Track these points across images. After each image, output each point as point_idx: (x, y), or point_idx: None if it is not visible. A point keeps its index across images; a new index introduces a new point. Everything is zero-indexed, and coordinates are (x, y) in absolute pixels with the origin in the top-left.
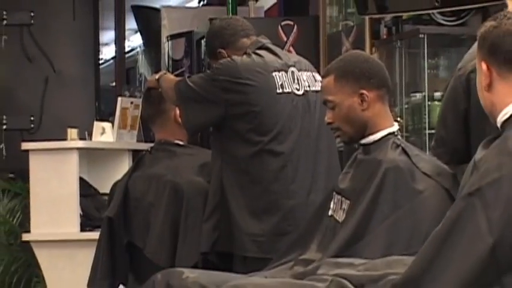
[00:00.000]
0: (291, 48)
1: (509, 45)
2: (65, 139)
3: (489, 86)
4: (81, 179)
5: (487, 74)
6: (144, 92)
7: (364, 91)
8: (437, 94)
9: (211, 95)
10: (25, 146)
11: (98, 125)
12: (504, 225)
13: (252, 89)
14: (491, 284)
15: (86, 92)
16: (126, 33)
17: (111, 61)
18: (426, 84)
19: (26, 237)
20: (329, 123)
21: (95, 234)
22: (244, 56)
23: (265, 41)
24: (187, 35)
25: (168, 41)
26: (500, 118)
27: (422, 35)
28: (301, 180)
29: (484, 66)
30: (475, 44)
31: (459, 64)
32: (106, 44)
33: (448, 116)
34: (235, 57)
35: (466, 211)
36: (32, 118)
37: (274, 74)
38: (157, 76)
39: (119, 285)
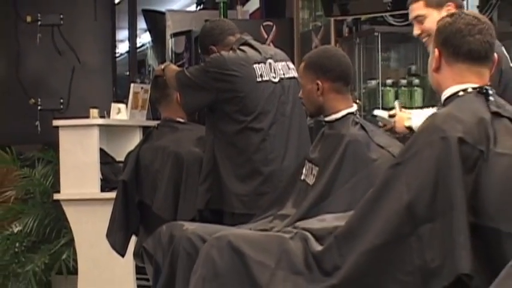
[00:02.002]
0: (271, 44)
1: (458, 41)
2: (88, 117)
3: (437, 69)
4: (101, 150)
5: (437, 59)
6: (152, 79)
7: (318, 81)
8: (389, 81)
9: (204, 84)
10: (56, 122)
11: (114, 106)
12: (419, 189)
13: (237, 79)
14: (410, 233)
15: (105, 79)
16: (138, 32)
17: (126, 55)
18: (380, 73)
19: (56, 196)
20: (300, 98)
21: (113, 194)
22: (231, 52)
23: (247, 38)
24: (187, 33)
25: (171, 38)
26: (443, 97)
27: (377, 33)
28: (277, 151)
29: (436, 52)
30: None
31: None
32: (121, 41)
33: None
34: (223, 52)
35: (393, 178)
36: (61, 100)
37: (254, 66)
38: (162, 66)
39: (131, 236)
